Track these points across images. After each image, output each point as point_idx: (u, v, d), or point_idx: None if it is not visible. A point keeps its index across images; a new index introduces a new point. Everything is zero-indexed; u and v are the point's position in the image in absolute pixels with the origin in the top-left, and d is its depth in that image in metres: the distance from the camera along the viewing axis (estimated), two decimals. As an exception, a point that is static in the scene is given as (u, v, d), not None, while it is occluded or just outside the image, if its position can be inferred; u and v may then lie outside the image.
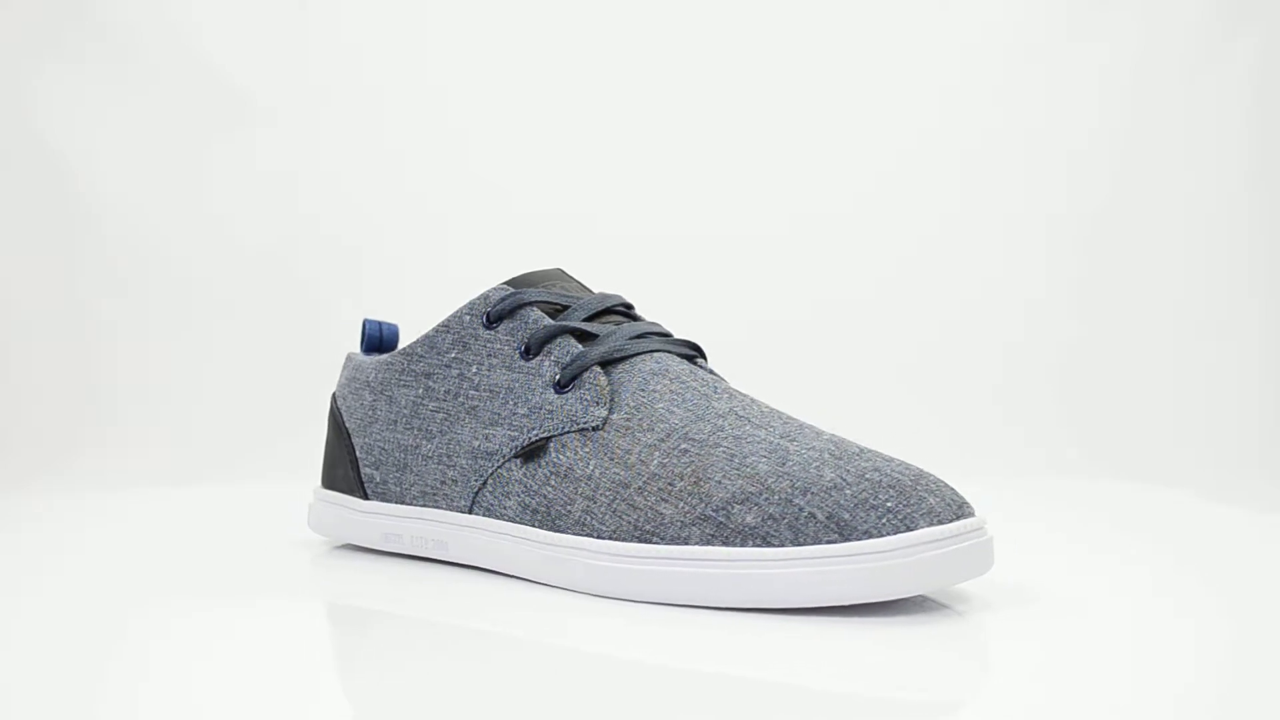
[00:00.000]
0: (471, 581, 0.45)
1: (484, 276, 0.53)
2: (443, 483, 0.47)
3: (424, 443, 0.48)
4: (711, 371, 0.47)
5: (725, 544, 0.38)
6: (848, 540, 0.37)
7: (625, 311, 0.48)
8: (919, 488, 0.38)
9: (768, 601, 0.38)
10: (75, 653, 0.36)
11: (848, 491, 0.38)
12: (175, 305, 0.98)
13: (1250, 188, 0.99)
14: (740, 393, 0.45)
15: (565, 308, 0.46)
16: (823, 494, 0.38)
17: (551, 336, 0.45)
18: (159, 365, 0.96)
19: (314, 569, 0.50)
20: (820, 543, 0.37)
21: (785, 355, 0.98)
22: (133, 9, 1.00)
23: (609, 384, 0.44)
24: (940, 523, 0.37)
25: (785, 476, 0.39)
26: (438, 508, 0.47)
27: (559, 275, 0.48)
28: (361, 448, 0.51)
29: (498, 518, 0.45)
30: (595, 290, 0.50)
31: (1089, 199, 1.01)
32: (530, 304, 0.46)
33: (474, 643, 0.38)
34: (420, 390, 0.48)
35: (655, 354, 0.45)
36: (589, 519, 0.42)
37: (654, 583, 0.40)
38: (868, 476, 0.38)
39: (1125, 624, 0.39)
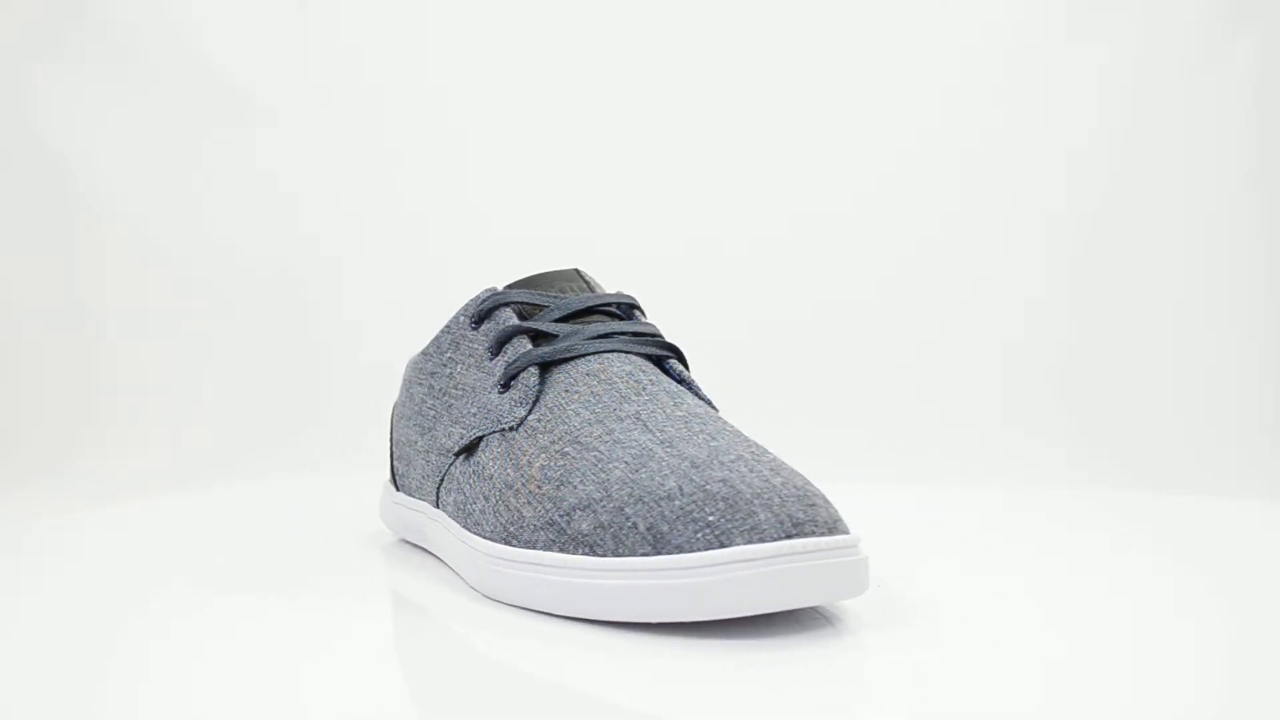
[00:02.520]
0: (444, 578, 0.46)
1: (497, 277, 0.54)
2: (424, 477, 0.48)
3: (419, 438, 0.49)
4: (676, 375, 0.45)
5: (562, 550, 0.37)
6: (659, 554, 0.35)
7: (612, 312, 0.47)
8: (756, 501, 0.35)
9: (591, 613, 0.36)
10: (79, 654, 0.36)
11: (677, 502, 0.35)
12: (175, 305, 0.98)
13: (1250, 188, 0.99)
14: (676, 397, 0.42)
15: (543, 308, 0.46)
16: (653, 504, 0.36)
17: (509, 337, 0.45)
18: (159, 365, 0.95)
19: (312, 564, 0.50)
20: (635, 554, 0.35)
21: (785, 356, 0.98)
22: (133, 9, 1.00)
23: (537, 385, 0.43)
24: (761, 541, 0.34)
25: (629, 484, 0.37)
26: (423, 500, 0.49)
27: (568, 276, 0.48)
28: (394, 441, 0.53)
29: (445, 512, 0.46)
30: (611, 290, 0.49)
31: (1089, 199, 1.01)
32: (506, 305, 0.46)
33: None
34: (425, 388, 0.49)
35: (606, 354, 0.44)
36: (482, 518, 0.42)
37: (509, 584, 0.39)
38: (707, 487, 0.36)
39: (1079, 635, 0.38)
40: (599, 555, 0.36)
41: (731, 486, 0.36)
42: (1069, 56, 1.01)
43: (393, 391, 0.58)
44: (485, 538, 0.41)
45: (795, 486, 0.36)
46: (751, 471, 0.37)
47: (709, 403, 0.45)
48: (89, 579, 0.47)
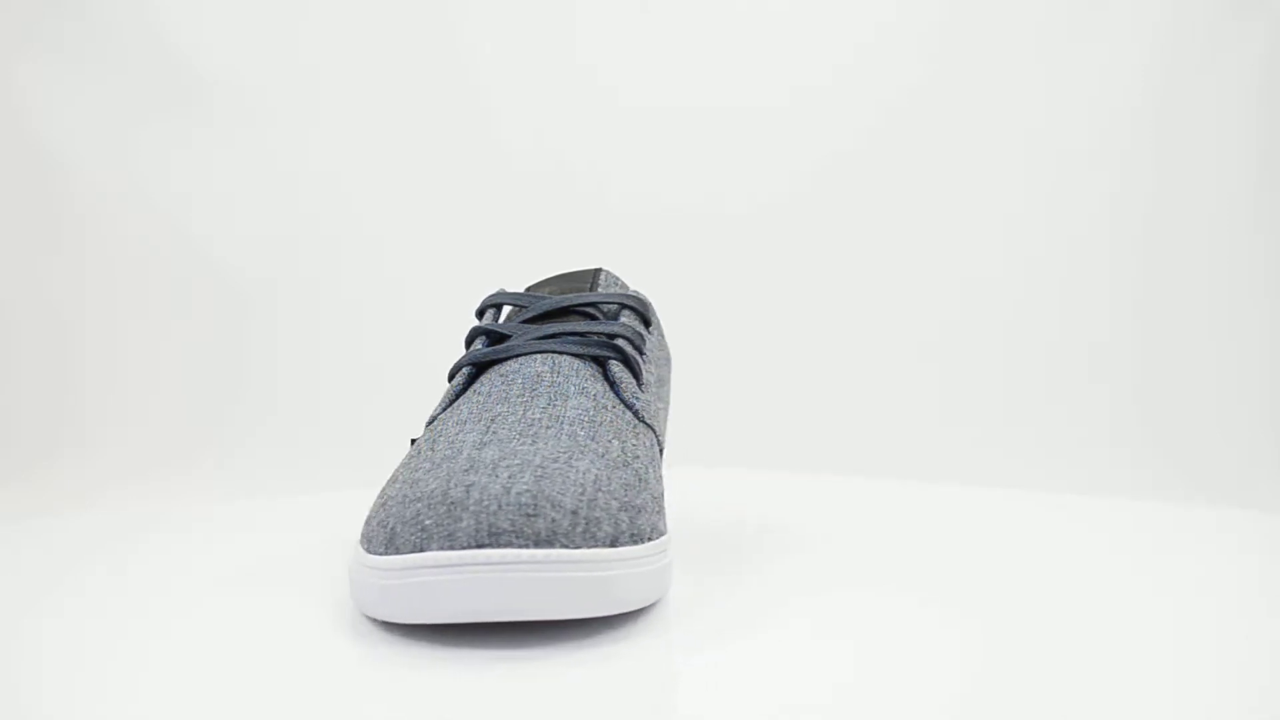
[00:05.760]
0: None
1: (518, 277, 0.54)
2: None
3: None
4: (611, 379, 0.44)
5: (358, 545, 0.37)
6: (384, 555, 0.35)
7: (588, 313, 0.46)
8: (471, 509, 0.34)
9: (363, 610, 0.37)
10: (78, 655, 0.36)
11: (418, 505, 0.35)
12: (173, 306, 0.98)
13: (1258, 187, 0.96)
14: (561, 400, 0.41)
15: (526, 307, 0.47)
16: (407, 504, 0.36)
17: (473, 337, 0.46)
18: (150, 366, 0.96)
19: (310, 564, 0.50)
20: (377, 554, 0.35)
21: (782, 356, 0.98)
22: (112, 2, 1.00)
23: (460, 385, 0.43)
24: (451, 548, 0.33)
25: (414, 484, 0.37)
26: None
27: (581, 276, 0.48)
28: None
29: None
30: (631, 289, 0.49)
31: (1088, 200, 1.00)
32: (496, 305, 0.47)
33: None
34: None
35: (536, 355, 0.43)
36: None
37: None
38: (449, 492, 0.35)
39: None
40: (370, 554, 0.36)
41: (466, 491, 0.35)
42: (1072, 57, 1.00)
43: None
44: None
45: (535, 496, 0.34)
46: (511, 479, 0.35)
47: (629, 406, 0.44)
48: (87, 579, 0.46)
